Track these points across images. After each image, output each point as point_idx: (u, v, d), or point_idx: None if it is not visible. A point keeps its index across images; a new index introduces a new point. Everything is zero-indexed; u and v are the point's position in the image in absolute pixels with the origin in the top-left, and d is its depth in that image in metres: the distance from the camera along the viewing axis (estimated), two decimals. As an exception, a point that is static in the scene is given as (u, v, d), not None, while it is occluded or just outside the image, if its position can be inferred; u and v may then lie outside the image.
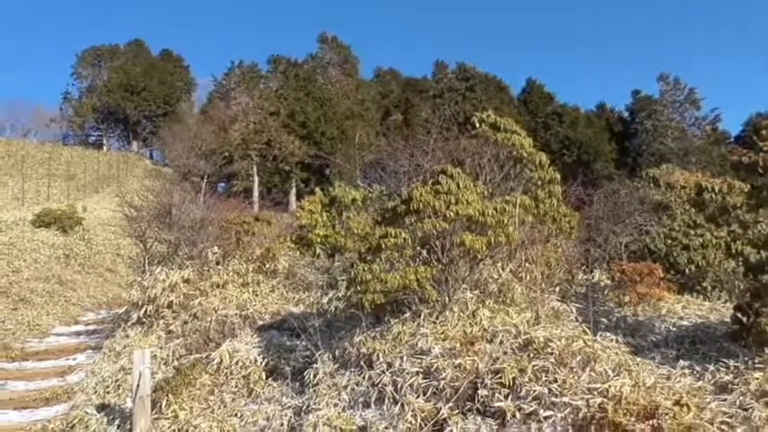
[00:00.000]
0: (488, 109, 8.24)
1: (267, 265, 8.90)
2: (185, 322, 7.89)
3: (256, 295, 8.24)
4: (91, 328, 12.81)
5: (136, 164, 50.99)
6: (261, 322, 7.89)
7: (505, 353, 4.75)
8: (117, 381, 7.47)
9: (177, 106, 55.49)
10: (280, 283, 8.84)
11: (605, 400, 3.96)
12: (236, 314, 7.85)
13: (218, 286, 8.14)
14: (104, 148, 57.34)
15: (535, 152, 7.40)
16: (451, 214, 5.37)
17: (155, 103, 56.86)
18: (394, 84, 55.09)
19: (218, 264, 8.57)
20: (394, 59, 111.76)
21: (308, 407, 5.35)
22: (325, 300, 8.42)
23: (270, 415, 5.97)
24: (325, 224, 11.74)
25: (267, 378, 6.87)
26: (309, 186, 37.21)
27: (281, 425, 5.31)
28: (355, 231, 10.85)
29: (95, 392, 7.52)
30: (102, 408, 6.88)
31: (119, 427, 6.15)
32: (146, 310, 8.38)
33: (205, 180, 29.80)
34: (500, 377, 4.43)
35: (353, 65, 51.88)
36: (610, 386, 4.05)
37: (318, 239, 11.55)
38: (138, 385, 5.72)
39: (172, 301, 8.08)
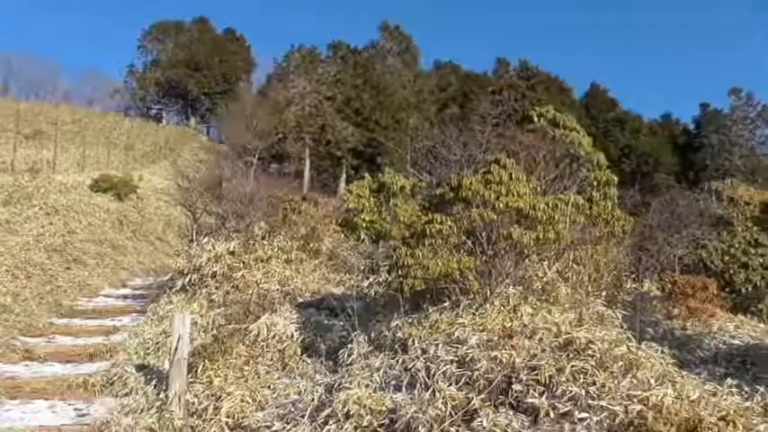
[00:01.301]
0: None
1: (311, 245, 8.95)
2: (227, 293, 8.01)
3: (298, 273, 8.29)
4: (138, 292, 13.19)
5: (192, 139, 52.16)
6: (300, 299, 7.95)
7: (544, 350, 4.62)
8: (157, 343, 7.64)
9: (236, 85, 56.52)
10: (322, 263, 8.88)
11: (645, 408, 3.81)
12: (277, 289, 7.92)
13: (261, 261, 8.23)
14: (163, 121, 58.92)
15: (594, 152, 7.18)
16: (501, 205, 5.26)
17: (215, 81, 57.99)
18: (453, 77, 54.60)
19: (263, 239, 8.67)
20: (455, 53, 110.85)
21: (339, 385, 5.35)
22: (365, 283, 8.42)
23: (302, 389, 5.99)
24: (372, 209, 11.74)
25: (302, 354, 6.91)
26: (359, 173, 37.34)
27: (312, 400, 5.31)
28: (401, 219, 10.79)
29: (136, 353, 7.72)
30: (140, 367, 7.06)
31: (155, 387, 6.28)
32: (190, 279, 8.55)
33: (256, 157, 30.24)
34: (536, 374, 4.31)
35: (413, 55, 51.71)
36: (651, 395, 3.89)
37: (364, 224, 11.55)
38: (176, 348, 5.82)
39: (216, 272, 8.22)
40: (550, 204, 5.49)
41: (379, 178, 12.30)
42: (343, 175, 43.49)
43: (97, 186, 17.82)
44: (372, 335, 6.38)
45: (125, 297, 12.65)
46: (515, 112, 36.65)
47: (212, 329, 7.55)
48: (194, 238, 10.21)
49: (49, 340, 9.06)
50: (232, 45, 61.76)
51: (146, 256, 17.00)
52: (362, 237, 11.46)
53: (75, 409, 6.19)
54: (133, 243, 17.04)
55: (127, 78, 61.90)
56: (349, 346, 6.22)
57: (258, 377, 6.40)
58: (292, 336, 7.10)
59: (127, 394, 6.38)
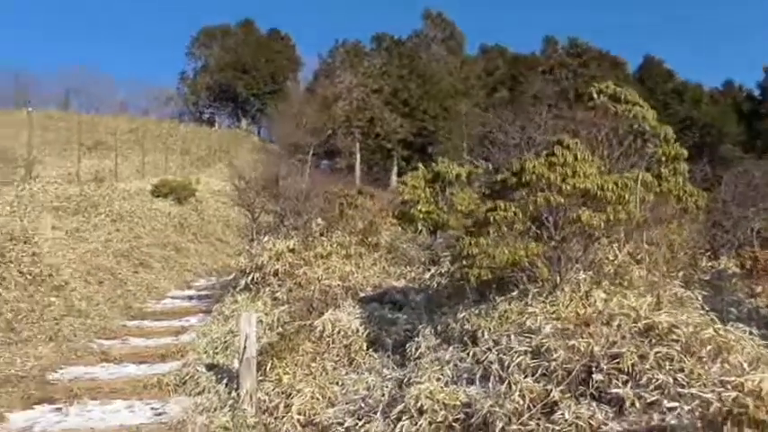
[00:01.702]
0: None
1: (369, 239, 8.90)
2: (290, 290, 8.05)
3: (359, 267, 8.26)
4: (202, 293, 13.48)
5: (244, 140, 53.08)
6: (362, 294, 7.91)
7: (624, 337, 4.40)
8: (225, 342, 7.76)
9: (284, 84, 57.15)
10: (381, 256, 8.83)
11: (741, 394, 3.56)
12: (338, 285, 7.90)
13: (321, 257, 8.24)
14: (216, 125, 60.17)
15: (659, 126, 6.84)
16: (567, 188, 5.04)
17: (263, 81, 58.79)
18: (500, 60, 53.64)
19: (321, 235, 8.68)
20: (500, 36, 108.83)
21: (409, 379, 5.27)
22: (426, 275, 8.31)
23: (371, 385, 5.95)
24: (428, 200, 11.60)
25: (368, 349, 6.87)
26: (410, 164, 37.19)
27: (382, 395, 5.26)
28: (459, 208, 10.64)
29: (205, 352, 7.85)
30: (210, 367, 7.17)
31: (226, 385, 6.36)
32: (253, 277, 8.64)
33: (311, 152, 30.45)
34: (618, 362, 4.10)
35: (458, 41, 51.05)
36: (746, 380, 3.64)
37: (420, 215, 11.44)
38: (244, 347, 5.87)
39: (278, 270, 8.27)
40: (619, 184, 5.23)
41: (433, 168, 12.14)
42: (395, 168, 43.43)
43: (158, 191, 18.32)
44: (439, 327, 6.27)
45: (190, 298, 12.94)
46: (567, 91, 35.73)
47: (277, 327, 7.60)
48: (254, 237, 10.32)
49: (123, 342, 9.35)
50: (277, 45, 62.43)
51: (207, 257, 17.37)
52: (420, 228, 11.35)
53: (152, 409, 6.35)
54: (195, 245, 17.45)
55: (179, 85, 63.51)
56: (416, 339, 6.14)
57: (326, 373, 6.40)
58: (357, 331, 7.07)
59: (199, 393, 6.49)
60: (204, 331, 9.05)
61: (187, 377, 7.01)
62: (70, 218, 13.80)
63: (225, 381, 6.50)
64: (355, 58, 46.16)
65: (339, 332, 7.04)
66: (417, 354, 5.83)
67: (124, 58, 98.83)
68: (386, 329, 7.22)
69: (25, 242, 9.46)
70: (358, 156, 41.55)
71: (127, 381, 7.28)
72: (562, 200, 5.10)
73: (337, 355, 6.76)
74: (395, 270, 8.59)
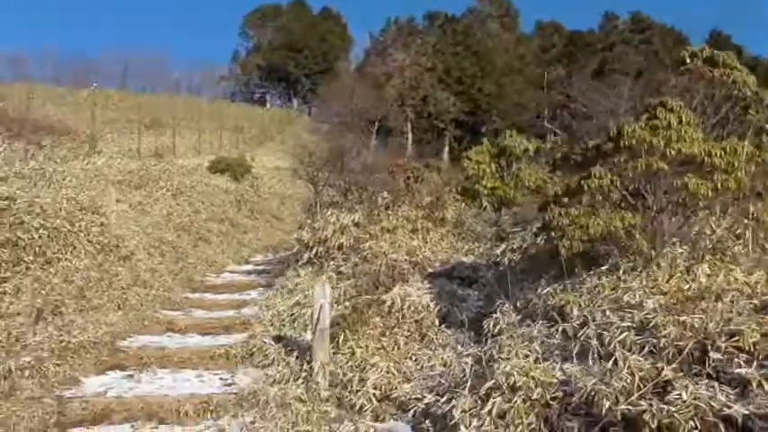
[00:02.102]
0: (666, 62, 7.18)
1: (436, 214, 8.60)
2: (355, 264, 7.85)
3: (426, 242, 7.99)
4: (260, 268, 13.49)
5: (296, 120, 53.35)
6: (430, 270, 7.65)
7: (740, 314, 4.00)
8: (292, 315, 7.64)
9: (335, 64, 57.01)
10: (448, 232, 8.52)
11: None
12: (405, 259, 7.65)
13: (387, 231, 7.99)
14: (267, 104, 60.67)
15: (762, 91, 6.27)
16: (672, 153, 4.62)
17: (314, 61, 58.84)
18: (557, 37, 52.06)
19: (387, 209, 8.42)
20: (556, 12, 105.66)
21: (490, 356, 4.98)
22: (498, 251, 7.98)
23: (447, 361, 5.71)
24: (493, 175, 11.20)
25: (440, 324, 6.62)
26: (463, 144, 36.59)
27: (463, 372, 4.99)
28: (526, 183, 10.22)
29: (271, 324, 7.76)
30: (278, 339, 7.05)
31: (297, 358, 6.22)
32: (316, 252, 8.47)
33: (375, 127, 30.12)
34: (736, 340, 3.72)
35: (513, 18, 49.77)
36: None
37: (486, 191, 11.06)
38: (318, 318, 5.69)
39: (342, 243, 8.07)
40: (728, 150, 4.77)
41: (498, 143, 11.71)
42: (446, 148, 42.84)
43: (215, 168, 18.43)
44: (518, 303, 5.96)
45: (249, 273, 12.95)
46: (629, 69, 34.27)
47: (344, 301, 7.41)
48: (317, 210, 10.14)
49: (186, 313, 9.36)
50: (329, 24, 62.30)
51: (263, 233, 17.42)
52: (484, 204, 10.98)
53: (221, 379, 6.26)
54: (251, 221, 17.52)
55: (231, 65, 64.21)
56: (493, 315, 5.83)
57: (398, 348, 6.18)
58: (428, 306, 6.82)
59: (269, 365, 6.37)
60: (268, 304, 8.97)
61: (254, 349, 6.91)
62: (133, 192, 13.96)
63: (295, 353, 6.36)
64: (408, 36, 45.54)
65: (409, 307, 6.80)
66: (496, 330, 5.53)
67: (179, 39, 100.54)
68: (457, 306, 6.95)
69: (94, 212, 9.55)
70: (410, 135, 41.11)
71: (194, 351, 7.23)
72: (666, 166, 4.67)
73: (408, 331, 6.53)
74: (462, 245, 8.28)
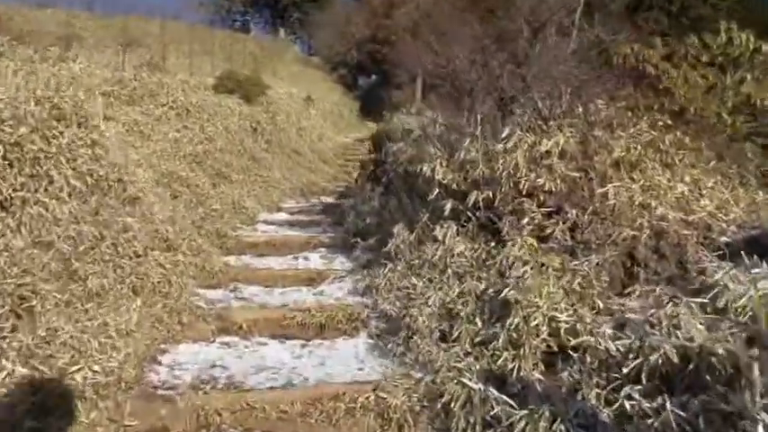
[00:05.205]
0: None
1: (700, 133, 4.96)
2: (576, 227, 4.31)
3: (697, 187, 4.45)
4: (299, 218, 9.96)
5: (285, 50, 48.39)
6: (724, 239, 4.14)
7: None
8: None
9: (327, -9, 51.65)
10: (723, 168, 4.86)
11: None
12: (677, 218, 4.15)
13: (630, 164, 4.42)
14: (252, 33, 55.22)
15: None
16: None
17: (304, -13, 53.34)
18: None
19: (609, 127, 4.76)
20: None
21: None
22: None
23: None
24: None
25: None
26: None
27: None
28: None
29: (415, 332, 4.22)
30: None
31: None
32: (475, 200, 4.88)
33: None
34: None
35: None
36: None
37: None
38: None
39: (542, 187, 4.49)
40: None
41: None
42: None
43: (222, 86, 14.42)
44: None
45: (290, 224, 9.41)
46: None
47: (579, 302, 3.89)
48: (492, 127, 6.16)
49: (235, 294, 5.82)
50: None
51: (288, 171, 13.71)
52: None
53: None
54: (271, 156, 13.72)
55: (211, -12, 58.14)
56: None
57: None
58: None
59: None
60: (373, 285, 5.47)
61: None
62: (124, 107, 10.02)
63: None
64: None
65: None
66: None
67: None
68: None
69: (80, 125, 5.77)
70: (420, 70, 36.74)
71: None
72: None
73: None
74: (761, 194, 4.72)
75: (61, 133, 5.33)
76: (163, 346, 4.29)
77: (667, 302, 3.65)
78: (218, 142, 11.36)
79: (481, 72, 6.23)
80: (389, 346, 4.33)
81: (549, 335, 3.60)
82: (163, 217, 6.45)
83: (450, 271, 4.82)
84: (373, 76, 45.17)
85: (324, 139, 19.98)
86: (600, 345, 3.33)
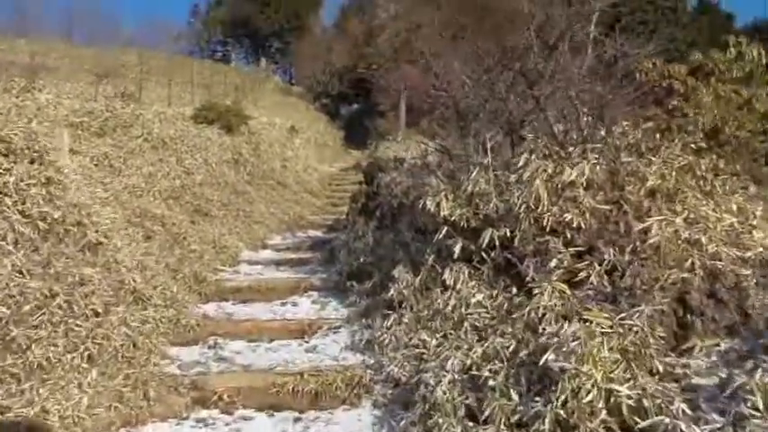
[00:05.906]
0: None
1: (722, 147, 4.31)
2: (614, 270, 3.60)
3: (740, 214, 3.78)
4: (287, 256, 9.15)
5: (266, 80, 47.99)
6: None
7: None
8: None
9: (307, 19, 51.46)
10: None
11: None
12: (729, 254, 3.47)
13: (666, 194, 3.75)
14: (232, 63, 54.84)
15: None
16: None
17: (285, 18, 53.20)
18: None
19: (640, 155, 4.11)
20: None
21: None
22: None
23: None
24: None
25: None
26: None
27: None
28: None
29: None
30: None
31: None
32: (490, 239, 4.17)
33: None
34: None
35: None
36: None
37: None
38: None
39: (569, 222, 3.80)
40: None
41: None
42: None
43: (202, 117, 13.66)
44: None
45: (277, 264, 8.61)
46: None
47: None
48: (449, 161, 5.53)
49: (214, 352, 5.02)
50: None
51: (273, 204, 12.91)
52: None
53: None
54: (254, 188, 12.96)
55: (190, 20, 57.99)
56: None
57: None
58: None
59: None
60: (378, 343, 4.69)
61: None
62: (94, 140, 9.23)
63: None
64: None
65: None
66: None
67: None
68: None
69: (33, 162, 4.99)
70: (403, 95, 36.32)
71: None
72: None
73: None
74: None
75: (8, 170, 4.55)
76: (123, 430, 3.47)
77: (741, 360, 2.97)
78: (197, 176, 10.59)
79: (486, 94, 5.58)
80: (402, 423, 3.55)
81: (608, 413, 2.86)
82: (131, 264, 5.65)
83: (467, 324, 4.09)
84: (355, 105, 44.92)
85: (309, 169, 19.26)
86: (680, 429, 2.59)
